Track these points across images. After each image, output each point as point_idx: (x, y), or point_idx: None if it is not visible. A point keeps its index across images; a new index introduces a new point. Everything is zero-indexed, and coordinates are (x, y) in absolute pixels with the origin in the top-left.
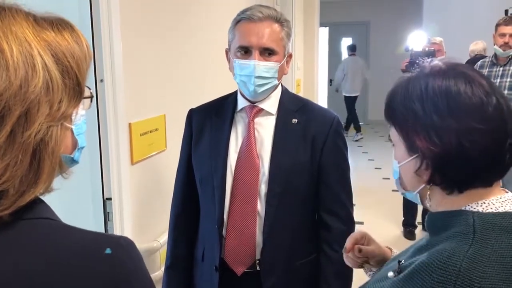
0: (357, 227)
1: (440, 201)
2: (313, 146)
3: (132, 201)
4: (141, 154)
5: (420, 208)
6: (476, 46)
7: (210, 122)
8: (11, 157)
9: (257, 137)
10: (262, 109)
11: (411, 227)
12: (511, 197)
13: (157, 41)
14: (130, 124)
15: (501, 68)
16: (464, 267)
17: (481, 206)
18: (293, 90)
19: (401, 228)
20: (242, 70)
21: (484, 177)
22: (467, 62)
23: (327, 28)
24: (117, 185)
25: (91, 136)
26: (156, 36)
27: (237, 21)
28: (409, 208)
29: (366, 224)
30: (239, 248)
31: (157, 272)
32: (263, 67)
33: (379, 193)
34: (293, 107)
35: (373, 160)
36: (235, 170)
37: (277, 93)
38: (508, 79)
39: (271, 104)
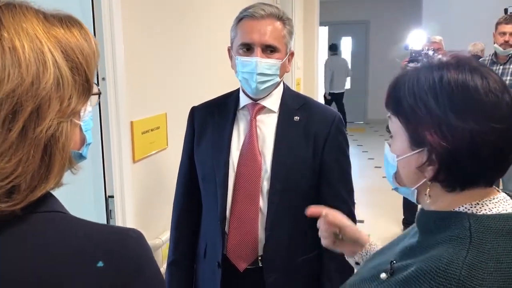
0: (357, 225)
1: (436, 199)
2: (315, 144)
3: (134, 199)
4: (143, 152)
5: (420, 206)
6: (474, 47)
7: (212, 120)
8: (23, 153)
9: (259, 134)
10: (264, 107)
11: (411, 225)
12: (503, 197)
13: (159, 39)
14: (132, 122)
15: (501, 67)
16: (463, 275)
17: (475, 207)
18: (293, 89)
19: (401, 226)
20: (244, 67)
21: (489, 176)
22: None
23: (327, 27)
24: (119, 183)
25: (93, 134)
26: (157, 34)
27: (240, 19)
28: (409, 206)
29: (366, 223)
30: (242, 245)
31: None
32: (265, 64)
33: (379, 192)
34: (295, 104)
35: (372, 159)
36: (237, 167)
37: (279, 90)
38: (508, 78)
39: (273, 101)
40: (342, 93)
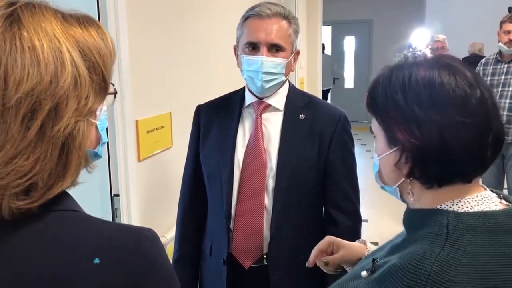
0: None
1: (419, 197)
2: (320, 142)
3: (139, 198)
4: (148, 151)
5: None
6: (472, 46)
7: (218, 118)
8: (41, 151)
9: (264, 132)
10: (269, 105)
11: None
12: (488, 195)
13: (164, 38)
14: (137, 121)
15: (506, 65)
16: (434, 271)
17: (456, 205)
18: None
19: None
20: (250, 65)
21: (464, 172)
22: (463, 60)
23: (330, 26)
24: (124, 182)
25: None
26: (162, 33)
27: (246, 18)
28: None
29: (369, 222)
30: (247, 242)
31: None
32: (271, 63)
33: (383, 191)
34: (300, 103)
35: None
36: (242, 165)
37: (284, 89)
38: None
39: (279, 100)
40: (328, 90)
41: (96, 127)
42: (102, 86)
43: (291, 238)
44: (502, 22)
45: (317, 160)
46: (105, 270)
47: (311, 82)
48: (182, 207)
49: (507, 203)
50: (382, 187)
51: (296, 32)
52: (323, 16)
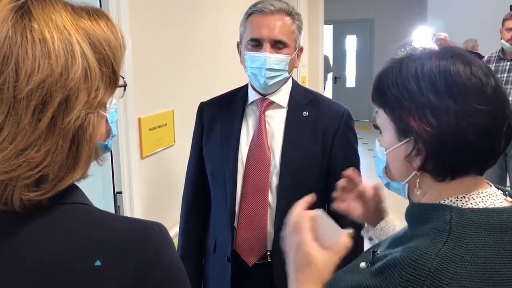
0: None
1: (426, 191)
2: (324, 139)
3: (142, 195)
4: (150, 148)
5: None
6: (466, 43)
7: (221, 115)
8: (52, 143)
9: (268, 129)
10: (273, 102)
11: None
12: (493, 191)
13: (166, 36)
14: (139, 119)
15: (508, 63)
16: (434, 267)
17: (461, 200)
18: None
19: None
20: (253, 62)
21: (479, 162)
22: None
23: (331, 26)
24: (127, 179)
25: None
26: (164, 31)
27: (249, 14)
28: None
29: None
30: (251, 239)
31: None
32: (274, 59)
33: (385, 190)
34: (303, 100)
35: None
36: (246, 162)
37: (288, 86)
38: None
39: (282, 97)
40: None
41: (106, 120)
42: (112, 78)
43: None
44: (504, 20)
45: (320, 157)
46: (114, 262)
47: (312, 81)
48: (185, 204)
49: None
50: (386, 184)
51: (300, 28)
52: (324, 15)
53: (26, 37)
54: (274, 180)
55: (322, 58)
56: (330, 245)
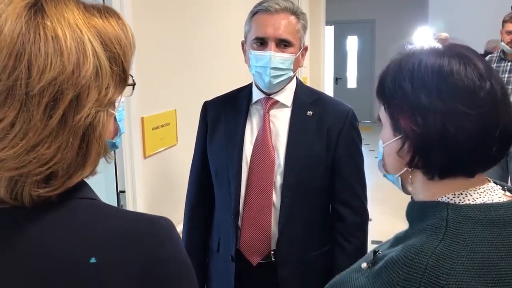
0: None
1: (421, 188)
2: (328, 139)
3: (145, 194)
4: (153, 148)
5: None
6: (488, 44)
7: (225, 114)
8: (62, 140)
9: (272, 129)
10: (277, 101)
11: None
12: (491, 187)
13: (169, 35)
14: (142, 118)
15: (509, 63)
16: (430, 264)
17: (458, 197)
18: None
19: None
20: (258, 61)
21: (467, 165)
22: None
23: (333, 26)
24: (130, 178)
25: None
26: (167, 30)
27: (254, 13)
28: None
29: (373, 221)
30: (255, 239)
31: None
32: (279, 58)
33: (386, 190)
34: (308, 99)
35: None
36: (250, 162)
37: (292, 85)
38: None
39: (286, 96)
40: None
41: (115, 118)
42: (122, 77)
43: (299, 234)
44: (504, 22)
45: (325, 156)
46: (121, 256)
47: (314, 82)
48: (189, 203)
49: None
50: (384, 175)
51: (305, 27)
52: (325, 16)
53: (39, 34)
54: (279, 179)
55: (324, 60)
56: None
